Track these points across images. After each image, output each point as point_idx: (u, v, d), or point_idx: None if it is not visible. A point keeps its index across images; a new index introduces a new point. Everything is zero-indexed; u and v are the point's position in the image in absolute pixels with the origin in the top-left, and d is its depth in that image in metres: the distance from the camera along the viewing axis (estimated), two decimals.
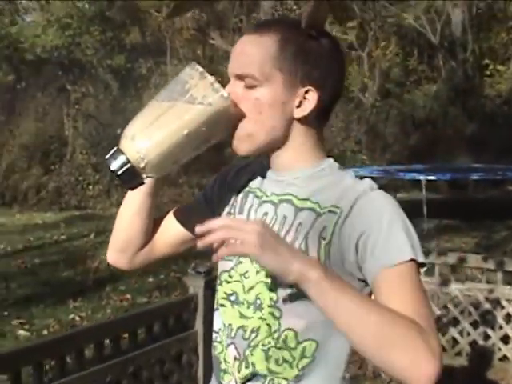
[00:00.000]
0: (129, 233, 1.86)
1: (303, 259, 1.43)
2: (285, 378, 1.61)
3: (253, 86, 1.61)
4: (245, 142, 1.65)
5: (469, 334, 5.70)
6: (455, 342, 5.75)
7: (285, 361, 1.61)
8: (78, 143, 18.58)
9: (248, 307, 1.67)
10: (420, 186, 13.75)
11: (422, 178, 13.73)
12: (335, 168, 1.72)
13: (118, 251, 1.90)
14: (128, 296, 8.15)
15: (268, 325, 1.62)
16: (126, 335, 3.76)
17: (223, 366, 1.73)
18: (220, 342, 1.75)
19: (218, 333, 1.76)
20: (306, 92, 1.63)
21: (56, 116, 19.54)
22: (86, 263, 9.95)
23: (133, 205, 1.82)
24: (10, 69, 22.71)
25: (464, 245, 11.77)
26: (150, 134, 1.49)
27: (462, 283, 5.72)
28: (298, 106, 1.63)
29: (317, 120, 1.68)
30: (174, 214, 1.90)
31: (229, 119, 1.58)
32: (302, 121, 1.66)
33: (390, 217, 1.54)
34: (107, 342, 3.60)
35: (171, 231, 1.89)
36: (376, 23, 25.79)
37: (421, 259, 1.51)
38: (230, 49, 19.47)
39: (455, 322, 5.75)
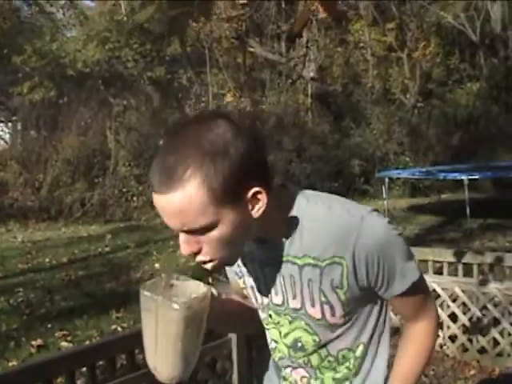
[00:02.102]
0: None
1: None
2: (346, 379, 1.92)
3: (207, 230, 1.60)
4: (229, 263, 1.79)
5: (510, 334, 5.61)
6: (496, 342, 5.67)
7: (346, 367, 1.91)
8: (120, 155, 18.70)
9: (288, 349, 1.94)
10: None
11: (463, 177, 13.59)
12: (303, 207, 1.77)
13: None
14: None
15: (318, 354, 1.90)
16: None
17: (283, 374, 2.03)
18: (280, 358, 2.01)
19: (276, 343, 2.01)
20: (253, 195, 1.62)
21: (98, 129, 19.69)
22: (129, 274, 10.04)
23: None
24: (52, 84, 22.98)
25: (508, 244, 11.61)
26: (162, 363, 1.72)
27: (501, 283, 5.64)
28: (252, 209, 1.64)
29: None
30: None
31: (201, 310, 1.69)
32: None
33: (385, 256, 1.75)
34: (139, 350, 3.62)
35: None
36: (415, 24, 25.62)
37: (416, 276, 1.83)
38: (269, 56, 19.33)
39: (495, 322, 5.67)
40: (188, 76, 25.06)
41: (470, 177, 13.85)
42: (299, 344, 1.89)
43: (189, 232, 1.61)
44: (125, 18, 23.22)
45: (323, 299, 1.78)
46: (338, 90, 25.90)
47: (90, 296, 8.81)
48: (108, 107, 20.89)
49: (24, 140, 20.22)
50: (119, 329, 7.30)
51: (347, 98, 25.36)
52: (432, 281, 5.83)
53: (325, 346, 1.88)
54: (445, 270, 5.85)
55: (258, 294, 1.94)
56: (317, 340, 1.86)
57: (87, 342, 6.78)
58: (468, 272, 5.75)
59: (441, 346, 5.93)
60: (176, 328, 1.63)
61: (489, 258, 5.68)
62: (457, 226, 13.88)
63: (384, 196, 15.85)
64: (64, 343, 6.86)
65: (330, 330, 1.84)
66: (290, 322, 1.89)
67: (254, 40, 25.30)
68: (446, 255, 5.86)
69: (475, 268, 5.71)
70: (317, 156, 20.03)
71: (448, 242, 11.66)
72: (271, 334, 2.00)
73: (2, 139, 21.92)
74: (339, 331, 1.85)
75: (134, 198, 17.89)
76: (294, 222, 1.75)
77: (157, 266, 10.46)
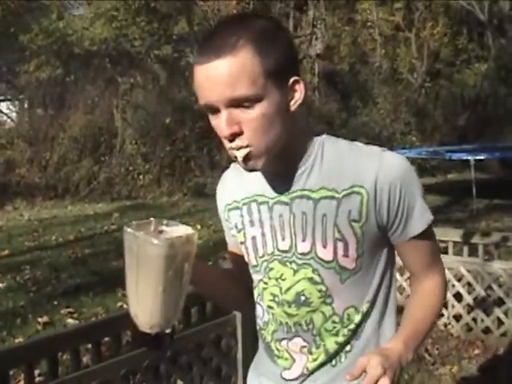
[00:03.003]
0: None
1: (399, 351, 1.68)
2: (348, 342, 1.82)
3: (250, 105, 1.58)
4: (261, 159, 1.66)
5: None
6: (500, 322, 5.68)
7: (350, 330, 1.82)
8: (127, 134, 18.70)
9: (289, 306, 1.82)
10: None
11: (470, 157, 13.58)
12: (324, 142, 1.77)
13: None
14: None
15: (322, 312, 1.79)
16: None
17: (276, 353, 1.91)
18: (272, 333, 1.91)
19: (271, 309, 1.89)
20: (293, 84, 1.64)
21: (105, 108, 19.67)
22: None
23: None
24: (59, 63, 22.95)
25: None
26: (143, 309, 1.65)
27: (506, 262, 5.64)
28: (291, 100, 1.65)
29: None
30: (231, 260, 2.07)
31: (183, 252, 1.61)
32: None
33: (407, 188, 1.72)
34: None
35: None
36: (423, 3, 25.47)
37: (432, 217, 1.79)
38: None
39: (500, 302, 5.68)
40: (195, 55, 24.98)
41: (476, 157, 13.84)
42: (303, 298, 1.79)
43: (233, 105, 1.58)
44: None
45: (337, 235, 1.72)
46: (346, 69, 25.82)
47: (96, 274, 8.84)
48: (115, 85, 20.86)
49: (31, 118, 20.22)
50: (125, 306, 7.29)
51: (354, 78, 25.29)
52: None
53: (331, 302, 1.77)
54: (450, 250, 5.85)
55: (259, 245, 1.86)
56: (323, 290, 1.76)
57: (93, 320, 6.81)
58: (473, 252, 5.75)
59: (445, 325, 5.94)
60: (156, 266, 1.57)
61: (494, 237, 5.68)
62: (463, 207, 13.86)
63: None
64: (70, 320, 6.88)
65: (339, 277, 1.75)
66: (295, 272, 1.79)
67: None
68: (452, 235, 5.86)
69: (480, 248, 5.71)
70: None
71: (454, 222, 11.65)
72: (268, 297, 1.88)
73: (9, 117, 21.93)
74: (348, 282, 1.76)
75: (141, 177, 17.91)
76: (313, 152, 1.75)
77: None
